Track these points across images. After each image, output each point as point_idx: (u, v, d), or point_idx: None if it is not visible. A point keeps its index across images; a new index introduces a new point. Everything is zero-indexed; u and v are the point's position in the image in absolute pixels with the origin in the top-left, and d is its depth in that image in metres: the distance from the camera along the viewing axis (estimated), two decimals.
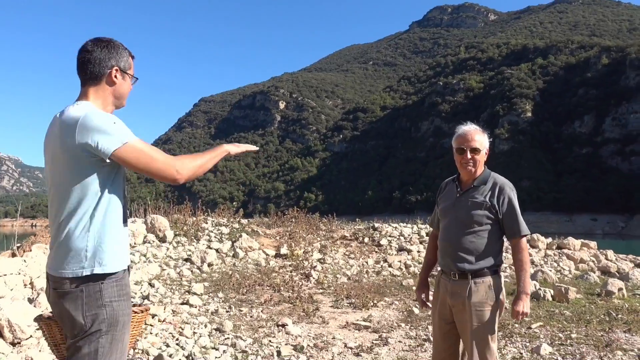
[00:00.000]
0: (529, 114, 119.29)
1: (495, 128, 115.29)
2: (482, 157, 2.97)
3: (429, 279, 3.33)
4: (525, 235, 2.92)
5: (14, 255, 6.77)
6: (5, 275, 5.14)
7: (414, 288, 8.41)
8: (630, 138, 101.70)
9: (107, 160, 1.90)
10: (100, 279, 1.92)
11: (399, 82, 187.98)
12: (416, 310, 6.51)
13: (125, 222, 2.05)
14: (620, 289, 8.55)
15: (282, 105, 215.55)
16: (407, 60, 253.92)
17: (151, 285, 6.61)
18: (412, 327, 5.86)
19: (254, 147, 2.38)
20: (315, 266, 9.05)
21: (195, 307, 5.88)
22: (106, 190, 1.96)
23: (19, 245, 9.71)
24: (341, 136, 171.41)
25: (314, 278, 8.34)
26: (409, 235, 11.85)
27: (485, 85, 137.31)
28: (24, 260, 5.78)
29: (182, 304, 5.94)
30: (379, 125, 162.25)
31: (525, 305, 2.84)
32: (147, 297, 5.96)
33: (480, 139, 2.96)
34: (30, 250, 7.18)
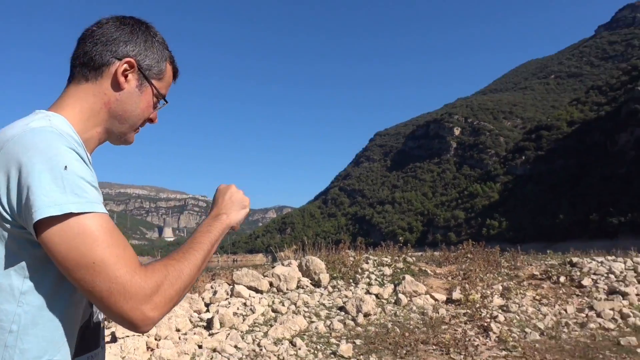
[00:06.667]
0: None
1: None
2: None
3: None
4: None
5: None
6: (127, 337, 4.58)
7: (639, 351, 6.22)
8: None
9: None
10: None
11: (587, 93, 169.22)
12: None
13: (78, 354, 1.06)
14: None
15: (457, 131, 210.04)
16: (595, 69, 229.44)
17: (292, 344, 5.65)
18: None
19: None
20: (495, 316, 7.32)
21: None
22: (38, 294, 0.99)
23: None
24: (523, 158, 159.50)
25: (494, 333, 6.64)
26: (621, 272, 9.31)
27: None
28: None
29: None
30: (567, 142, 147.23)
31: None
32: None
33: None
34: None
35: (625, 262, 9.94)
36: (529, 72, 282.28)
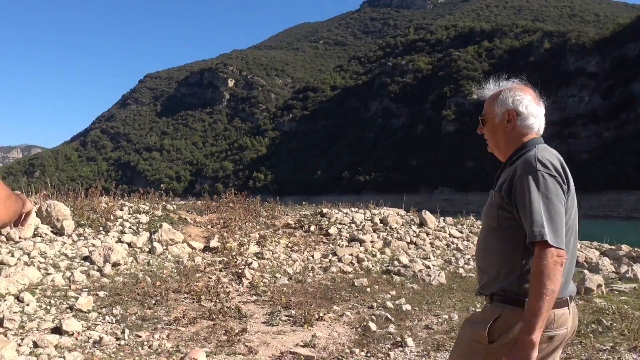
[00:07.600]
0: (475, 96, 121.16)
1: (443, 109, 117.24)
2: (497, 128, 2.07)
3: None
4: (545, 243, 1.73)
5: None
6: None
7: (369, 290, 7.07)
8: (569, 121, 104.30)
9: None
10: None
11: (349, 62, 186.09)
12: (373, 326, 5.11)
13: None
14: (599, 286, 7.56)
15: (231, 83, 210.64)
16: (357, 40, 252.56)
17: (19, 300, 4.89)
18: (369, 354, 4.44)
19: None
20: (250, 263, 7.52)
21: (72, 334, 4.23)
22: None
23: None
24: (291, 115, 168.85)
25: (247, 279, 6.81)
26: (361, 222, 10.47)
27: (434, 66, 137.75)
28: None
29: (53, 330, 4.28)
30: (329, 105, 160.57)
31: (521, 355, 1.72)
32: (1, 323, 4.25)
33: (488, 106, 2.11)
34: None
35: (365, 214, 11.21)
36: (301, 34, 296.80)
